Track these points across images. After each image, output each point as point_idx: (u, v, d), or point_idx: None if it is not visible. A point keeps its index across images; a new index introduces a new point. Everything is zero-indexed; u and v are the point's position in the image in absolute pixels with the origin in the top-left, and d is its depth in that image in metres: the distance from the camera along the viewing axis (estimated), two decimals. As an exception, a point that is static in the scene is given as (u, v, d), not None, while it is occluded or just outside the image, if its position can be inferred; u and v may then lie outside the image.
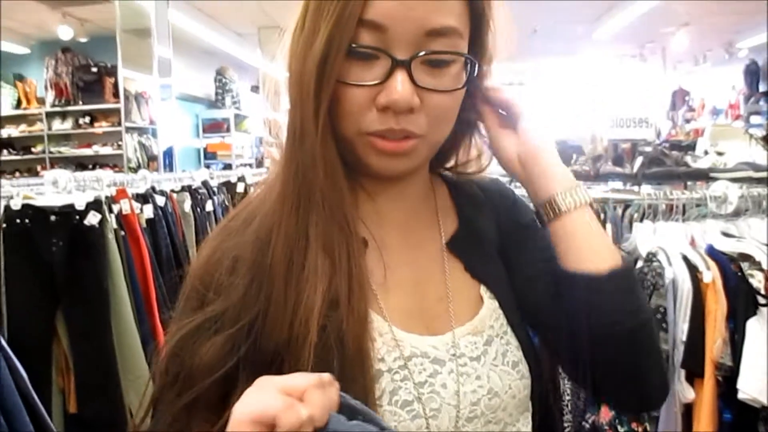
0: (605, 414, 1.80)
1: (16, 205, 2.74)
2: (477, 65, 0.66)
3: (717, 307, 1.72)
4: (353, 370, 0.60)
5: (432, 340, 0.68)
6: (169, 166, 6.72)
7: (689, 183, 2.40)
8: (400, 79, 0.60)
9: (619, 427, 1.78)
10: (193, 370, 0.63)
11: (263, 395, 0.47)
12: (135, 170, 5.19)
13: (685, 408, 1.78)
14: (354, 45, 0.60)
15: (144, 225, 3.03)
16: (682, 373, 1.75)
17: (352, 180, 0.68)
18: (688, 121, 9.90)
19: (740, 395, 1.64)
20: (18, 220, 2.72)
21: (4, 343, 1.59)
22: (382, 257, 0.69)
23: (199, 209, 3.61)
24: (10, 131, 6.98)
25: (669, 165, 2.37)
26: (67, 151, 6.89)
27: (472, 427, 0.66)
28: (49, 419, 1.61)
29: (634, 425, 1.77)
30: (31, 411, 1.52)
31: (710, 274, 1.76)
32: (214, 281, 0.66)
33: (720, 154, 2.39)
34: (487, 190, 0.82)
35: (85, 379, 2.71)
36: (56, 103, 6.79)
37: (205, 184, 3.82)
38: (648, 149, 2.47)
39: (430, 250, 0.74)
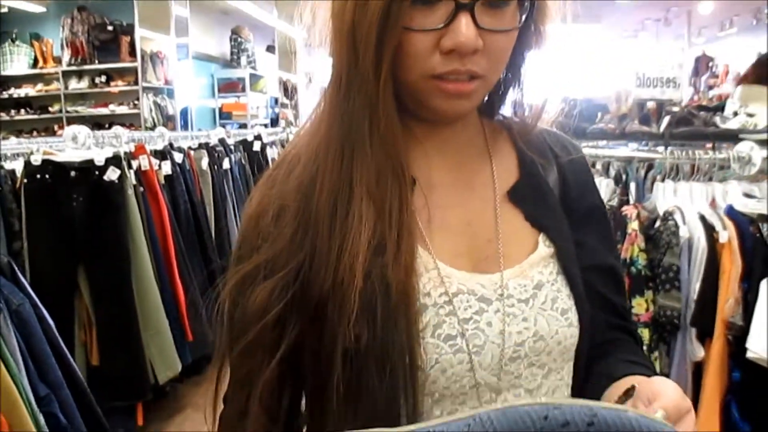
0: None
1: (36, 160, 2.78)
2: (532, 2, 0.67)
3: (731, 267, 1.73)
4: (397, 306, 0.61)
5: (480, 278, 0.68)
6: (185, 127, 6.74)
7: (717, 145, 2.36)
8: (464, 22, 0.61)
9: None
10: (245, 315, 0.65)
11: None
12: (152, 130, 5.21)
13: (695, 366, 1.80)
14: None
15: (162, 181, 3.06)
16: (693, 332, 1.77)
17: (402, 124, 0.68)
18: (710, 87, 9.68)
19: (749, 354, 1.66)
20: (38, 176, 2.76)
21: (31, 291, 1.63)
22: (431, 197, 0.70)
23: (216, 167, 3.63)
24: (27, 90, 7.02)
25: (697, 125, 2.33)
26: (84, 110, 6.93)
27: (515, 367, 0.67)
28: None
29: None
30: (59, 357, 1.56)
31: (726, 234, 1.76)
32: (261, 229, 0.67)
33: (750, 115, 2.34)
34: (558, 151, 0.79)
35: (106, 333, 2.78)
36: (72, 62, 6.80)
37: (222, 142, 3.84)
38: (675, 109, 2.43)
39: (482, 193, 0.73)
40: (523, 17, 0.66)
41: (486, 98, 0.77)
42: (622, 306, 0.80)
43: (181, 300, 2.94)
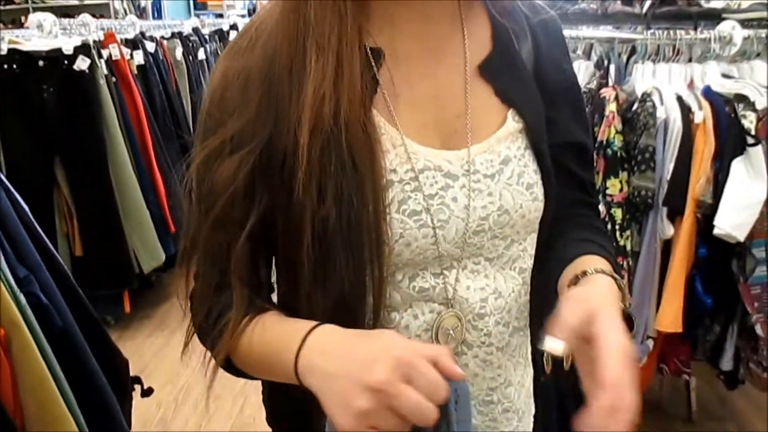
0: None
1: (2, 50, 2.69)
2: None
3: (705, 147, 1.74)
4: (363, 180, 0.61)
5: (447, 154, 0.67)
6: (159, 18, 6.46)
7: (701, 26, 2.30)
8: None
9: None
10: (213, 189, 0.64)
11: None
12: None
13: (664, 244, 1.86)
14: None
15: (135, 72, 2.98)
16: (664, 211, 1.80)
17: None
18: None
19: (716, 231, 1.70)
20: (5, 66, 2.68)
21: (2, 176, 1.61)
22: (397, 69, 0.67)
23: (191, 57, 3.53)
24: (-11, -20, 6.65)
25: (681, 5, 2.26)
26: (51, 0, 6.61)
27: (478, 239, 0.68)
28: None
29: (620, 259, 1.84)
30: (36, 240, 1.57)
31: (702, 115, 1.76)
32: (226, 103, 0.65)
33: (735, -6, 2.27)
34: (535, 23, 0.76)
35: (87, 224, 2.80)
36: (35, -53, 6.41)
37: (196, 31, 3.70)
38: (660, -13, 2.34)
39: (451, 64, 0.71)
40: None
41: None
42: (590, 182, 0.82)
43: (160, 191, 2.94)
